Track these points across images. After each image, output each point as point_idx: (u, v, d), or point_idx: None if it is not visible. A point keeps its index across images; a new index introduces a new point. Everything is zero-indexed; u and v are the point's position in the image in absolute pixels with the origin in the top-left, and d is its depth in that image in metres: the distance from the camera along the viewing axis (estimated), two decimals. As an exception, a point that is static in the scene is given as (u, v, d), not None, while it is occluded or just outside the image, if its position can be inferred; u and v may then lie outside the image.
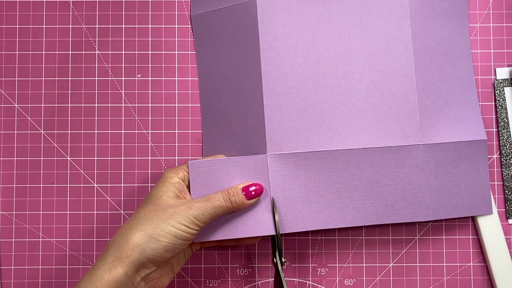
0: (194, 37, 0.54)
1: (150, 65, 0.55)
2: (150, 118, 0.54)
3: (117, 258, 0.42)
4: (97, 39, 0.55)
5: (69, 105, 0.54)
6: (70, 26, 0.55)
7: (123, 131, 0.54)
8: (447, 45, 0.52)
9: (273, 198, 0.49)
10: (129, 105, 0.54)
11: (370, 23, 0.51)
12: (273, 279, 0.53)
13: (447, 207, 0.50)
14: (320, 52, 0.51)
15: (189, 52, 0.55)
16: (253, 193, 0.47)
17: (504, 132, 0.54)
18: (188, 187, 0.48)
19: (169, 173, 0.47)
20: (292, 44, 0.51)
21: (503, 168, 0.53)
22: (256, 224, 0.48)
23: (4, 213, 0.54)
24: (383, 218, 0.50)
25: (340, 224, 0.49)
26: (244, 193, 0.47)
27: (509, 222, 0.53)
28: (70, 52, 0.55)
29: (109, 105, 0.54)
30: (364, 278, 0.53)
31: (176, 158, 0.54)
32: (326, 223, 0.49)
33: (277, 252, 0.47)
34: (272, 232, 0.48)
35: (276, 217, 0.48)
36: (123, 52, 0.55)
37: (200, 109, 0.54)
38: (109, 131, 0.54)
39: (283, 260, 0.47)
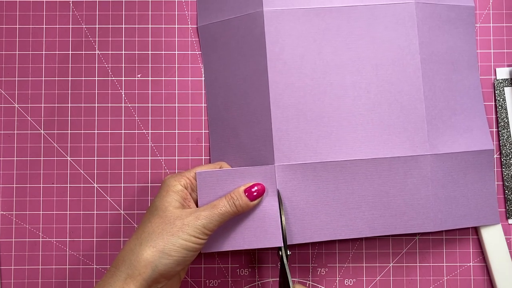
0: (201, 48, 0.54)
1: (150, 65, 0.55)
2: (150, 118, 0.54)
3: (130, 276, 0.42)
4: (97, 39, 0.55)
5: (69, 105, 0.54)
6: (70, 26, 0.55)
7: (123, 131, 0.54)
8: (454, 54, 0.52)
9: (278, 191, 0.48)
10: (129, 105, 0.54)
11: (378, 33, 0.51)
12: (278, 272, 0.53)
13: (454, 217, 0.50)
14: (327, 62, 0.51)
15: (189, 52, 0.55)
16: (255, 193, 0.47)
17: (504, 132, 0.54)
18: (191, 194, 0.48)
19: (171, 181, 0.47)
20: (299, 55, 0.50)
21: (503, 168, 0.53)
22: (264, 236, 0.48)
23: (4, 213, 0.54)
24: (391, 229, 0.50)
25: (348, 235, 0.49)
26: (246, 194, 0.47)
27: (509, 222, 0.53)
28: (70, 52, 0.55)
29: (109, 105, 0.54)
30: (364, 278, 0.53)
31: (176, 158, 0.54)
32: (335, 234, 0.49)
33: (282, 246, 0.47)
34: (280, 244, 0.47)
35: (282, 209, 0.48)
36: (123, 52, 0.55)
37: (207, 120, 0.54)
38: (109, 131, 0.54)
39: (288, 253, 0.47)
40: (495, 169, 0.54)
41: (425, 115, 0.50)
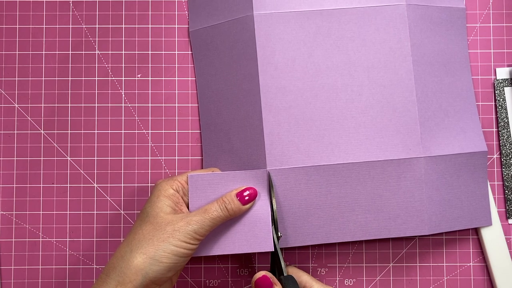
0: (193, 53, 0.54)
1: (150, 65, 0.55)
2: (150, 118, 0.54)
3: (120, 284, 0.42)
4: (97, 39, 0.55)
5: (69, 105, 0.54)
6: (70, 26, 0.55)
7: (123, 131, 0.54)
8: (445, 56, 0.52)
9: (269, 173, 0.48)
10: (129, 105, 0.54)
11: (369, 35, 0.51)
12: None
13: (448, 219, 0.50)
14: (319, 65, 0.50)
15: (189, 52, 0.55)
16: (247, 197, 0.47)
17: (504, 132, 0.54)
18: (183, 198, 0.47)
19: (163, 185, 0.47)
20: (290, 58, 0.50)
21: (503, 168, 0.53)
22: (254, 241, 0.47)
23: (4, 213, 0.54)
24: (385, 232, 0.50)
25: (341, 239, 0.49)
26: (238, 198, 0.46)
27: (509, 222, 0.53)
28: (70, 52, 0.55)
29: (109, 105, 0.54)
30: (364, 278, 0.53)
31: (176, 158, 0.54)
32: (327, 238, 0.49)
33: (273, 226, 0.48)
34: (271, 249, 0.47)
35: (272, 193, 0.48)
36: (123, 52, 0.55)
37: (199, 124, 0.53)
38: (109, 131, 0.54)
39: (279, 234, 0.47)
40: (495, 169, 0.54)
41: (418, 117, 0.50)
